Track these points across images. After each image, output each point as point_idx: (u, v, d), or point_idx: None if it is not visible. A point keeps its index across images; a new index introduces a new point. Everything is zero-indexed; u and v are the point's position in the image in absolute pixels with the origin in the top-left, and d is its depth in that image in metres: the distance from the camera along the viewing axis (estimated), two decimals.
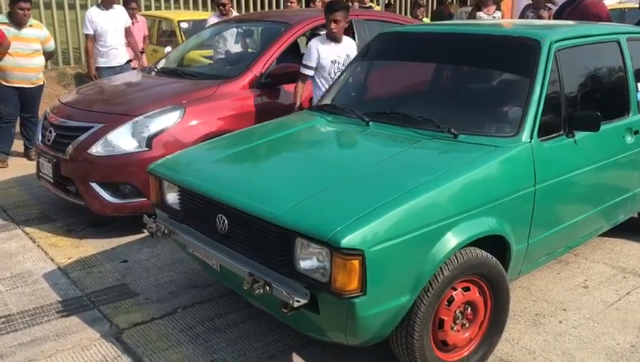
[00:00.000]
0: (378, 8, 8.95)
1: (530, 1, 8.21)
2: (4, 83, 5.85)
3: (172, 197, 3.09)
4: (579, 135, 3.10)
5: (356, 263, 2.22)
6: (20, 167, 6.06)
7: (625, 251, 4.09)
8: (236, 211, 2.60)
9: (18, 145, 6.43)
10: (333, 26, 4.49)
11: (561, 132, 3.06)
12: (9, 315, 3.27)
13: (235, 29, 5.93)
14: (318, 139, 3.41)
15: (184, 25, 8.96)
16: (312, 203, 2.47)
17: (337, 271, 2.24)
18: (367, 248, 2.22)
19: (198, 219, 2.89)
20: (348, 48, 4.65)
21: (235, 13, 7.40)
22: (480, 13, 7.65)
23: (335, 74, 4.45)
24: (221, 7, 7.07)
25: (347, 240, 2.20)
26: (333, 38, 4.55)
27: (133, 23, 7.32)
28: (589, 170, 3.23)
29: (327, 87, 4.28)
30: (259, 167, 3.10)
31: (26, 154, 6.36)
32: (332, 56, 4.54)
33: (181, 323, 3.20)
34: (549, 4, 8.08)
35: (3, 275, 3.74)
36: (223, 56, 5.94)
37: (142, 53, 7.67)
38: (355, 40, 5.04)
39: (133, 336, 3.08)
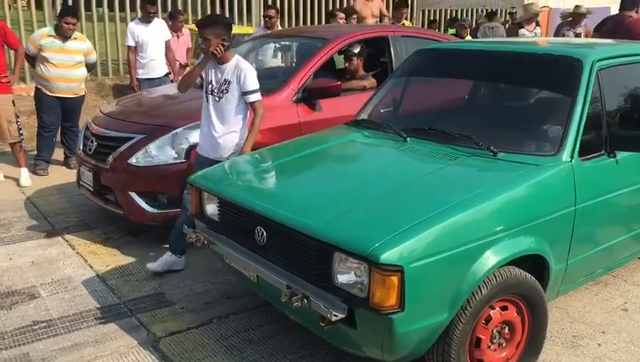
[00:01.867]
0: (409, 24, 8.96)
1: (569, 18, 8.15)
2: (48, 93, 6.02)
3: (211, 209, 3.14)
4: (620, 155, 3.06)
5: (395, 279, 2.22)
6: (60, 175, 6.21)
7: None
8: (275, 223, 2.63)
9: (58, 153, 6.59)
10: (203, 44, 3.80)
11: (603, 152, 3.03)
12: (50, 320, 3.35)
13: (273, 44, 6.01)
14: (356, 154, 3.43)
15: None
16: (351, 217, 2.49)
17: (376, 286, 2.25)
18: (406, 264, 2.23)
19: (237, 230, 2.93)
20: (233, 74, 3.78)
21: (279, 27, 7.52)
22: (522, 30, 7.68)
23: (216, 96, 3.83)
24: (267, 19, 7.18)
25: (386, 256, 2.21)
26: (215, 58, 3.78)
27: (178, 36, 7.45)
28: (630, 190, 3.19)
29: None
30: (297, 180, 3.13)
31: (65, 163, 6.51)
32: (211, 76, 3.86)
33: (216, 334, 3.24)
34: (587, 22, 8.03)
35: (44, 281, 3.83)
36: (258, 70, 6.01)
37: (185, 66, 7.74)
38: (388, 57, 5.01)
39: (170, 345, 3.13)
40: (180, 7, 11.62)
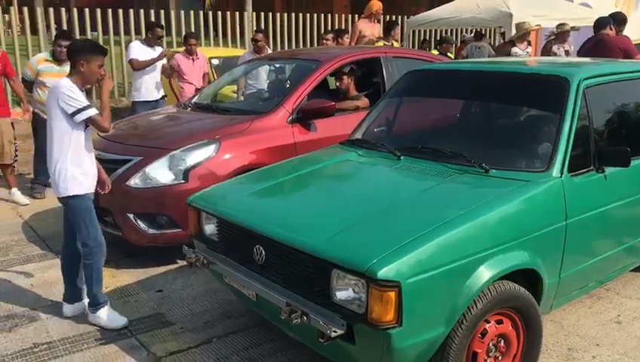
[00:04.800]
0: (397, 45, 9.11)
1: (553, 36, 8.32)
2: (45, 117, 6.06)
3: (210, 229, 3.19)
4: (609, 170, 3.14)
5: (392, 295, 2.28)
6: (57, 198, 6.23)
7: None
8: (274, 242, 2.69)
9: None
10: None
11: (591, 167, 3.11)
12: (50, 342, 3.38)
13: (267, 66, 6.12)
14: (351, 173, 3.50)
15: (215, 61, 9.21)
16: (348, 235, 2.55)
17: (374, 302, 2.30)
18: (403, 280, 2.29)
19: (236, 249, 2.98)
20: None
21: (268, 50, 7.60)
22: (515, 49, 7.82)
23: None
24: (254, 43, 7.25)
25: (384, 272, 2.27)
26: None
27: (193, 60, 7.37)
28: (620, 205, 3.26)
29: None
30: (295, 200, 3.20)
31: None
32: None
33: (216, 353, 3.27)
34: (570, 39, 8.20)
35: (44, 303, 3.86)
36: (253, 92, 6.12)
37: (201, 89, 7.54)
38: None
39: None
40: (173, 31, 11.78)
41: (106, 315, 3.55)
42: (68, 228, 3.64)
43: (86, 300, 3.66)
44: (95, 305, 3.56)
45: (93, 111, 3.38)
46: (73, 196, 3.44)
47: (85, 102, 3.37)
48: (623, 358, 3.22)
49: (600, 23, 6.37)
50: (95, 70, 3.42)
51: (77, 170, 3.43)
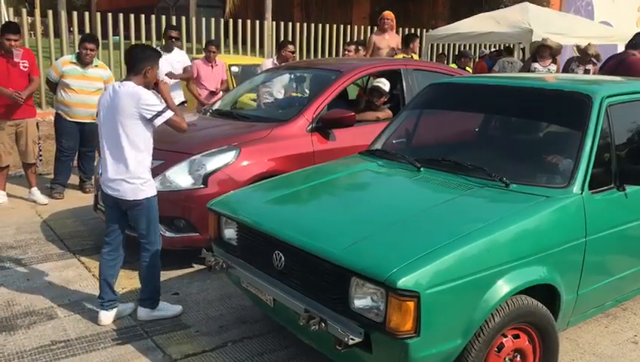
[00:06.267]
0: (416, 58, 9.13)
1: (576, 55, 8.30)
2: (67, 118, 6.18)
3: (229, 233, 3.22)
4: (630, 189, 3.13)
5: (411, 304, 2.29)
6: (76, 199, 6.32)
7: None
8: (293, 248, 2.72)
9: (73, 178, 6.71)
10: None
11: (612, 185, 3.11)
12: (68, 340, 3.42)
13: (287, 75, 6.16)
14: (371, 182, 3.52)
15: (234, 69, 9.27)
16: (368, 244, 2.57)
17: (392, 311, 2.31)
18: (422, 290, 2.30)
19: (255, 255, 3.01)
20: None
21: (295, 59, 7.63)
22: (535, 65, 7.74)
23: None
24: (284, 53, 7.22)
25: (403, 282, 2.28)
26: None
27: (212, 66, 7.50)
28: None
29: None
30: (315, 207, 3.22)
31: (81, 187, 6.63)
32: None
33: (231, 357, 3.29)
34: (594, 60, 8.17)
35: (61, 302, 3.91)
36: (273, 100, 6.15)
37: (214, 92, 7.52)
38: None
39: None
40: (193, 37, 11.91)
41: (166, 305, 3.76)
42: (118, 231, 3.71)
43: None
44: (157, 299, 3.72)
45: (170, 114, 3.47)
46: (150, 197, 3.55)
47: (162, 105, 3.46)
48: None
49: (636, 43, 6.32)
50: (155, 75, 3.56)
51: (149, 172, 3.55)
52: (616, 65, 6.25)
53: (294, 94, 6.12)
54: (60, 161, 6.36)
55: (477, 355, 2.52)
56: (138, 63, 3.48)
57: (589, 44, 8.04)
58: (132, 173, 3.45)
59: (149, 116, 3.40)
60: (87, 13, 11.36)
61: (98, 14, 11.13)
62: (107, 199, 3.60)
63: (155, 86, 3.61)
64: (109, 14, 11.09)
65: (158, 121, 3.43)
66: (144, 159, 3.50)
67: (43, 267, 4.49)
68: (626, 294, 3.51)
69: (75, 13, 10.99)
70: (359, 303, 2.45)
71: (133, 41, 11.51)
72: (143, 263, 3.66)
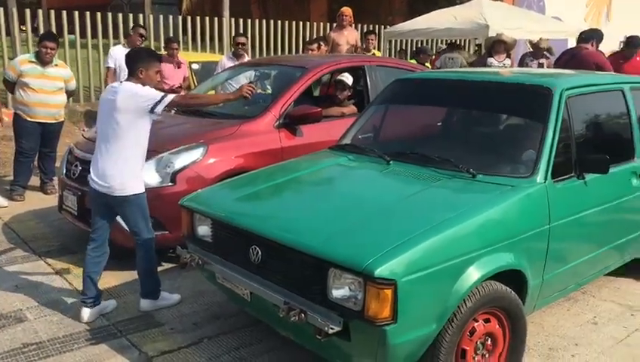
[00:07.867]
0: (379, 54, 9.26)
1: (529, 50, 8.56)
2: (27, 118, 6.04)
3: (203, 230, 3.24)
4: (589, 177, 3.28)
5: (389, 292, 2.36)
6: (37, 200, 6.20)
7: (630, 290, 4.24)
8: (271, 242, 2.76)
9: (34, 179, 6.57)
10: None
11: (573, 174, 3.25)
12: (40, 342, 3.38)
13: (252, 72, 6.17)
14: (343, 176, 3.58)
15: (195, 66, 9.21)
16: (344, 236, 2.63)
17: (371, 299, 2.38)
18: (398, 278, 2.38)
19: (231, 250, 3.04)
20: None
21: (246, 57, 7.63)
22: (491, 60, 7.92)
23: None
24: (238, 47, 7.25)
25: (381, 271, 2.35)
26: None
27: (174, 64, 7.28)
28: (599, 210, 3.41)
29: None
30: (289, 202, 3.26)
31: (42, 189, 6.50)
32: None
33: (208, 352, 3.31)
34: (547, 53, 8.44)
35: (30, 304, 3.85)
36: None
37: (172, 88, 7.36)
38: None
39: None
40: (152, 35, 11.74)
41: (166, 294, 3.86)
42: (104, 228, 3.69)
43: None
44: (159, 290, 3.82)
45: (170, 97, 3.48)
46: (138, 194, 3.56)
47: (160, 93, 3.47)
48: (600, 356, 3.36)
49: (586, 37, 6.59)
50: (152, 76, 3.56)
51: (140, 170, 3.58)
52: (570, 59, 6.50)
53: (260, 91, 6.13)
54: (19, 162, 6.22)
55: (451, 339, 2.61)
56: (132, 65, 3.55)
57: (540, 39, 8.30)
58: (121, 169, 3.46)
59: (149, 106, 3.41)
60: (40, 11, 11.07)
61: (52, 12, 10.80)
62: (95, 195, 3.60)
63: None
64: (64, 12, 10.84)
65: (160, 108, 3.44)
66: (135, 156, 3.51)
67: (8, 270, 4.40)
68: (587, 278, 3.67)
69: (27, 11, 10.70)
70: (337, 293, 2.51)
71: (89, 40, 11.29)
72: (139, 258, 3.70)
